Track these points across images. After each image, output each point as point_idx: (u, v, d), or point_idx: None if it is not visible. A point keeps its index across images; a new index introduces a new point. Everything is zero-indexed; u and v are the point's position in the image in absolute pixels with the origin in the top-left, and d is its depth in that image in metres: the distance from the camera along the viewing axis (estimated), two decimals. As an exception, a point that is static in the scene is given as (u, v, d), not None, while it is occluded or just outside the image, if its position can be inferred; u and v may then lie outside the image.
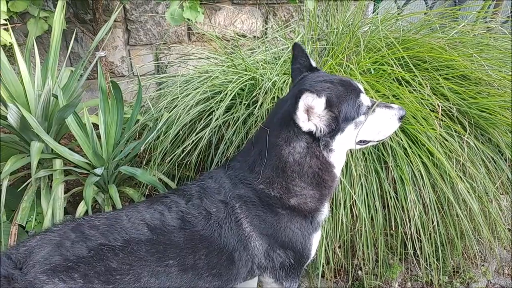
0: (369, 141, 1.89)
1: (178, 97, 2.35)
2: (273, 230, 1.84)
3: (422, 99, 2.28)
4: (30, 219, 2.37)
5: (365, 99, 1.80)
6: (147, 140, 2.33)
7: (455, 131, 2.22)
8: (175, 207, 1.78)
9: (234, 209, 1.81)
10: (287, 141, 1.75)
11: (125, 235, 1.66)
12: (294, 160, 1.77)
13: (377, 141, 1.91)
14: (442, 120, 2.22)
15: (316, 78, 1.84)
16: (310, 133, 1.73)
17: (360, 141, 1.86)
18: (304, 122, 1.70)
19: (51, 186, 2.39)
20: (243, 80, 2.36)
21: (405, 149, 2.18)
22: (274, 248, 1.86)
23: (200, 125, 2.31)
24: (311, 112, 1.70)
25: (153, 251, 1.67)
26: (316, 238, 1.94)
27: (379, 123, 1.84)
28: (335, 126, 1.74)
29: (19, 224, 2.31)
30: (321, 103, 1.69)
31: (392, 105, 1.88)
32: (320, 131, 1.73)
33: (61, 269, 1.52)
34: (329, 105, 1.71)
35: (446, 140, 2.22)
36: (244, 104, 2.32)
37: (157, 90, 2.76)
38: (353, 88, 1.80)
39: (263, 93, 2.28)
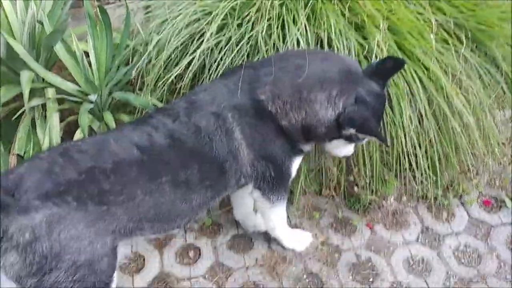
0: None
1: (167, 20, 2.27)
2: (260, 141, 1.91)
3: (418, 13, 2.23)
4: (27, 148, 2.38)
5: None
6: (139, 64, 2.29)
7: (452, 45, 2.18)
8: (162, 127, 1.79)
9: (225, 120, 1.83)
10: (330, 100, 1.84)
11: (114, 157, 1.67)
12: (316, 110, 1.85)
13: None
14: (437, 35, 2.18)
15: (383, 102, 1.97)
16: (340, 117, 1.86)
17: None
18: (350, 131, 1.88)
19: (45, 116, 2.38)
20: (234, -2, 2.26)
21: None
22: (258, 159, 1.94)
23: (192, 47, 2.25)
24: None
25: (144, 171, 1.69)
26: (296, 161, 2.06)
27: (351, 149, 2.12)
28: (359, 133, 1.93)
29: (17, 154, 2.33)
30: None
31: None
32: (346, 135, 1.94)
33: (54, 194, 1.53)
34: None
35: (442, 54, 2.19)
36: (237, 24, 2.25)
37: (145, 14, 2.66)
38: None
39: (255, 11, 2.21)
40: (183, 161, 1.78)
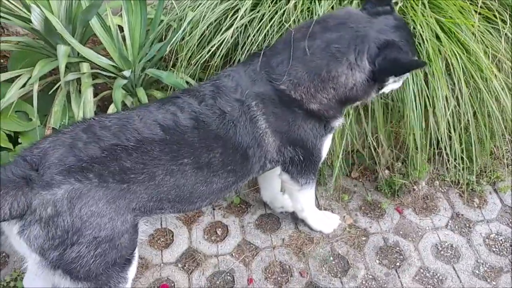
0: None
1: (202, -6, 2.27)
2: (287, 128, 1.89)
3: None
4: (62, 122, 2.43)
5: None
6: (172, 41, 2.29)
7: (494, 24, 2.11)
8: (188, 108, 1.79)
9: (250, 107, 1.83)
10: (351, 66, 1.80)
11: (137, 135, 1.67)
12: (344, 83, 1.81)
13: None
14: (480, 14, 2.11)
15: (403, 26, 1.89)
16: (377, 76, 1.82)
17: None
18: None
19: (80, 91, 2.42)
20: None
21: (440, 43, 2.09)
22: (286, 145, 1.93)
23: (226, 24, 2.24)
24: None
25: (167, 151, 1.69)
26: (327, 141, 2.04)
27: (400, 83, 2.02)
28: (398, 79, 1.90)
29: (52, 128, 2.38)
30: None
31: None
32: (389, 82, 1.88)
33: (76, 170, 1.55)
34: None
35: (483, 34, 2.12)
36: (271, 0, 2.22)
37: (180, -11, 2.66)
38: (415, 47, 1.99)
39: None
40: (207, 143, 1.77)
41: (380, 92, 1.94)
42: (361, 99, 1.92)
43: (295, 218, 2.47)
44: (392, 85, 1.94)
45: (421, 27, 2.05)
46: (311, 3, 2.19)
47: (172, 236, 2.42)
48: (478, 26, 2.05)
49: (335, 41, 1.79)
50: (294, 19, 2.14)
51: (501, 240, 2.41)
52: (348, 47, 1.78)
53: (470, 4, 2.07)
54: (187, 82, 2.39)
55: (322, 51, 1.80)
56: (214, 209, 2.54)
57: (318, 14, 2.13)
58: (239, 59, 2.28)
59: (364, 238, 2.41)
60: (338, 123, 2.01)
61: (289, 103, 1.85)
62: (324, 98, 1.85)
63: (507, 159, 2.55)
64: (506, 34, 2.04)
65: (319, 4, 2.15)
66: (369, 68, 1.78)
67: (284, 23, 2.15)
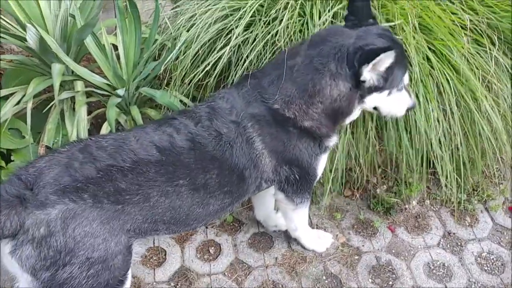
0: (376, 110, 2.00)
1: (196, 15, 2.29)
2: (283, 148, 1.90)
3: (452, 13, 2.19)
4: (56, 140, 2.43)
5: (407, 76, 1.95)
6: (167, 60, 2.31)
7: (483, 46, 2.14)
8: (184, 129, 1.80)
9: (246, 129, 1.84)
10: (334, 76, 1.80)
11: (133, 156, 1.68)
12: (329, 94, 1.82)
13: (377, 113, 2.03)
14: (470, 36, 2.14)
15: (387, 34, 1.87)
16: (358, 81, 1.80)
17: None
18: (368, 72, 1.78)
19: (74, 109, 2.43)
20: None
21: (431, 65, 2.12)
22: (282, 165, 1.94)
23: (220, 44, 2.26)
24: (376, 66, 1.77)
25: (162, 172, 1.70)
26: (323, 160, 2.05)
27: (397, 103, 1.96)
28: (382, 86, 1.85)
29: (46, 146, 2.38)
30: (389, 64, 1.77)
31: (411, 94, 2.04)
32: (369, 85, 1.83)
33: (71, 190, 1.56)
34: (391, 67, 1.79)
35: (473, 56, 2.16)
36: (264, 21, 2.25)
37: (173, 9, 2.68)
38: (407, 60, 1.97)
39: (282, 9, 2.21)
40: (203, 165, 1.77)
41: (364, 103, 1.91)
42: (347, 111, 1.90)
43: (288, 237, 2.46)
44: (375, 98, 1.89)
45: (413, 49, 2.08)
46: (302, 25, 2.22)
47: (165, 254, 2.41)
48: (468, 48, 2.08)
49: (317, 55, 1.81)
50: (286, 40, 2.16)
51: (492, 259, 2.42)
52: (328, 57, 1.79)
53: (460, 26, 2.11)
54: (181, 101, 2.40)
55: (306, 67, 1.82)
56: (207, 227, 2.54)
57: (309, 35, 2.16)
58: (233, 79, 2.30)
59: (356, 257, 2.41)
60: (332, 142, 2.01)
61: (283, 122, 1.87)
62: (315, 113, 1.86)
63: (497, 177, 2.57)
64: (495, 56, 2.07)
65: (312, 24, 2.18)
66: (350, 73, 1.79)
67: (277, 43, 2.18)
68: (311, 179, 2.05)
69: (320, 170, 2.07)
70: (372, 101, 1.90)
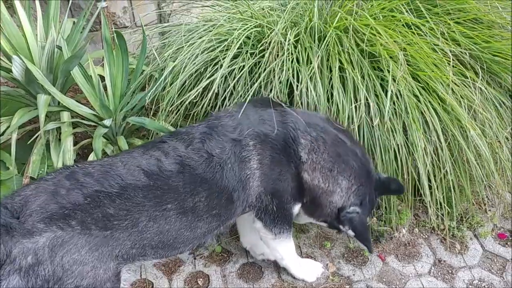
0: None
1: (183, 46, 2.30)
2: (275, 177, 1.91)
3: (435, 44, 2.23)
4: (41, 171, 2.40)
5: None
6: (153, 90, 2.31)
7: (467, 77, 2.17)
8: (173, 152, 1.79)
9: (244, 147, 1.83)
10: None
11: (121, 181, 1.67)
12: (331, 199, 1.98)
13: None
14: (454, 66, 2.17)
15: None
16: None
17: None
18: None
19: (60, 139, 2.40)
20: (249, 27, 2.29)
21: (416, 96, 2.14)
22: (266, 193, 1.94)
23: (206, 75, 2.27)
24: None
25: (150, 197, 1.69)
26: (297, 207, 2.08)
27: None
28: None
29: (30, 177, 2.34)
30: None
31: None
32: None
33: (58, 217, 1.54)
34: None
35: (458, 86, 2.18)
36: (251, 53, 2.27)
37: (161, 40, 2.70)
38: None
39: (268, 42, 2.22)
40: (191, 188, 1.76)
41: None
42: (321, 211, 2.09)
43: (278, 267, 2.43)
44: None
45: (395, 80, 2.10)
46: (292, 62, 2.23)
47: (152, 287, 2.36)
48: (453, 80, 2.10)
49: (358, 165, 2.00)
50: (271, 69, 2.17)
51: (484, 286, 2.40)
52: (359, 179, 2.00)
53: (444, 58, 2.14)
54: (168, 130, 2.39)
55: (348, 158, 1.99)
56: (195, 258, 2.50)
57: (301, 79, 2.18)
58: (220, 109, 2.29)
59: (347, 286, 2.38)
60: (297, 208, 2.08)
61: (291, 156, 1.90)
62: (316, 179, 1.96)
63: (486, 204, 2.58)
64: (479, 88, 2.10)
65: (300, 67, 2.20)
66: (345, 204, 2.02)
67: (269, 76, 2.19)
68: (286, 215, 2.06)
69: (295, 213, 2.10)
70: None
